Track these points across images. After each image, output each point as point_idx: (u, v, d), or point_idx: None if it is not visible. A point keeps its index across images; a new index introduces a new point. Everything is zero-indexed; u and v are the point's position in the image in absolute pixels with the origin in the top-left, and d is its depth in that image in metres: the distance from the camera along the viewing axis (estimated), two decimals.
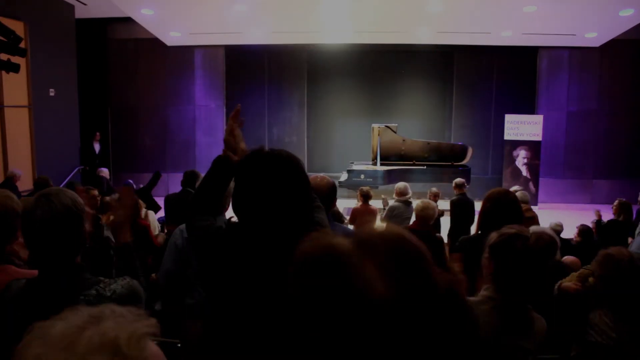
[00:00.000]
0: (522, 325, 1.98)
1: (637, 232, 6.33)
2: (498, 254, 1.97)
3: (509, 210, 2.86)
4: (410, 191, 7.09)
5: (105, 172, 10.86)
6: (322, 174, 3.10)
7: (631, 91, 13.38)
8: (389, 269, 0.81)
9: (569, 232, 7.34)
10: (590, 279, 2.84)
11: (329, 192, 2.95)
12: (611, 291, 2.62)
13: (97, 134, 12.95)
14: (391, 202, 7.13)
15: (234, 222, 1.78)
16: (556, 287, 2.95)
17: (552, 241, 1.94)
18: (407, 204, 6.91)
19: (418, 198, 9.46)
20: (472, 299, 2.06)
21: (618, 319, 2.64)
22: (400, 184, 7.19)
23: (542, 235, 1.93)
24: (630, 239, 6.73)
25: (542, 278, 1.93)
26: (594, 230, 7.08)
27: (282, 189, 1.68)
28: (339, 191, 7.42)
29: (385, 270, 0.80)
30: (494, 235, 2.01)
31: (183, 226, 2.99)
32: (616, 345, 2.62)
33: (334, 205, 3.09)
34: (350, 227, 6.81)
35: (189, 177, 5.88)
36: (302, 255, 0.88)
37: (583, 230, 6.80)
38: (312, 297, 0.83)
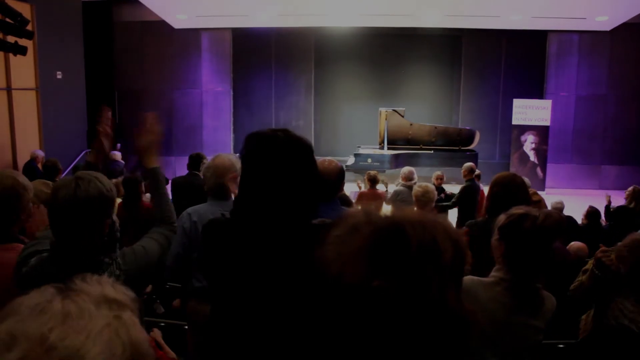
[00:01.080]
0: (534, 304, 2.00)
1: None
2: (508, 235, 1.97)
3: (518, 194, 2.85)
4: (415, 176, 7.06)
5: (118, 156, 10.76)
6: (329, 158, 3.07)
7: None
8: (366, 254, 0.75)
9: (576, 217, 7.31)
10: (607, 260, 2.80)
11: (338, 177, 2.93)
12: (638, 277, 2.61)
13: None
14: (397, 187, 7.12)
15: (239, 210, 1.76)
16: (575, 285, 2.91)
17: (560, 219, 1.94)
18: (412, 189, 6.91)
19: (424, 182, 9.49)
20: (484, 280, 2.07)
21: None
22: (406, 169, 7.17)
23: (551, 214, 1.92)
24: None
25: (552, 256, 1.94)
26: (603, 215, 7.07)
27: (290, 175, 1.66)
28: (347, 175, 7.41)
29: (362, 255, 0.75)
30: (502, 217, 2.02)
31: (190, 209, 3.00)
32: (635, 328, 2.62)
33: (342, 189, 3.06)
34: None
35: (195, 160, 5.91)
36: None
37: (590, 212, 6.80)
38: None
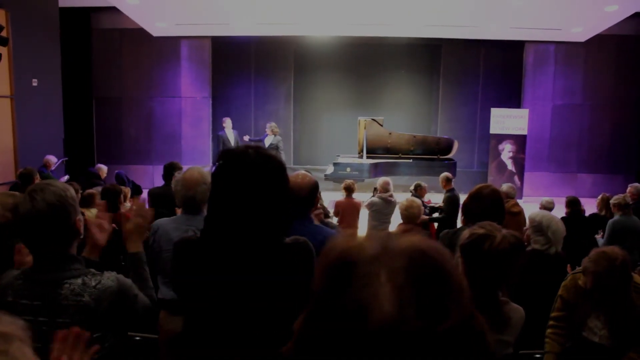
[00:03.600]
0: (499, 319, 2.01)
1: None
2: (467, 254, 1.99)
3: (493, 207, 2.86)
4: (391, 188, 7.07)
5: (104, 169, 10.33)
6: (303, 172, 2.97)
7: (615, 86, 13.50)
8: (405, 287, 0.65)
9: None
10: (580, 281, 2.86)
11: (310, 192, 2.80)
12: (603, 290, 2.66)
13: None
14: (373, 198, 7.12)
15: (209, 228, 1.75)
16: None
17: (517, 242, 1.96)
18: (387, 201, 6.90)
19: (404, 191, 9.51)
20: None
21: (610, 320, 2.69)
22: (381, 180, 7.19)
23: (506, 236, 1.95)
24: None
25: (510, 275, 1.97)
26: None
27: (261, 193, 1.65)
28: (326, 184, 7.40)
29: (401, 288, 0.65)
30: (465, 234, 2.04)
31: (156, 222, 2.98)
32: (606, 344, 2.68)
33: (317, 205, 2.99)
34: (335, 219, 6.81)
35: (167, 171, 5.85)
36: (322, 257, 0.75)
37: (571, 200, 6.97)
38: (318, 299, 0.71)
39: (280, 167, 1.71)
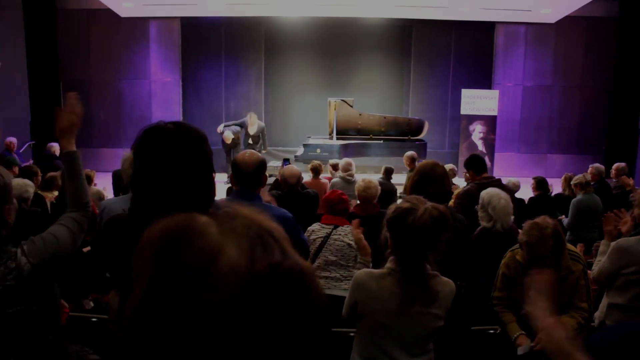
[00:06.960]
0: (426, 293, 2.03)
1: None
2: (392, 227, 2.01)
3: (436, 183, 2.89)
4: (352, 168, 7.09)
5: (56, 146, 10.52)
6: (251, 150, 2.99)
7: (584, 67, 13.66)
8: (243, 238, 0.66)
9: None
10: (518, 256, 2.90)
11: (257, 168, 2.80)
12: (537, 260, 2.70)
13: None
14: (335, 178, 7.14)
15: (135, 205, 1.75)
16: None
17: (439, 215, 1.97)
18: (347, 181, 6.93)
19: (376, 172, 9.53)
20: (375, 271, 2.10)
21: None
22: (343, 161, 7.24)
23: (429, 210, 1.96)
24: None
25: (435, 248, 1.98)
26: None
27: (182, 166, 1.64)
28: (298, 165, 7.39)
29: (240, 238, 0.66)
30: (391, 209, 2.05)
31: (104, 202, 2.95)
32: None
33: (264, 183, 2.99)
34: None
35: None
36: (143, 244, 0.73)
37: (539, 181, 7.06)
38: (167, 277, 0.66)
39: (200, 138, 1.70)
